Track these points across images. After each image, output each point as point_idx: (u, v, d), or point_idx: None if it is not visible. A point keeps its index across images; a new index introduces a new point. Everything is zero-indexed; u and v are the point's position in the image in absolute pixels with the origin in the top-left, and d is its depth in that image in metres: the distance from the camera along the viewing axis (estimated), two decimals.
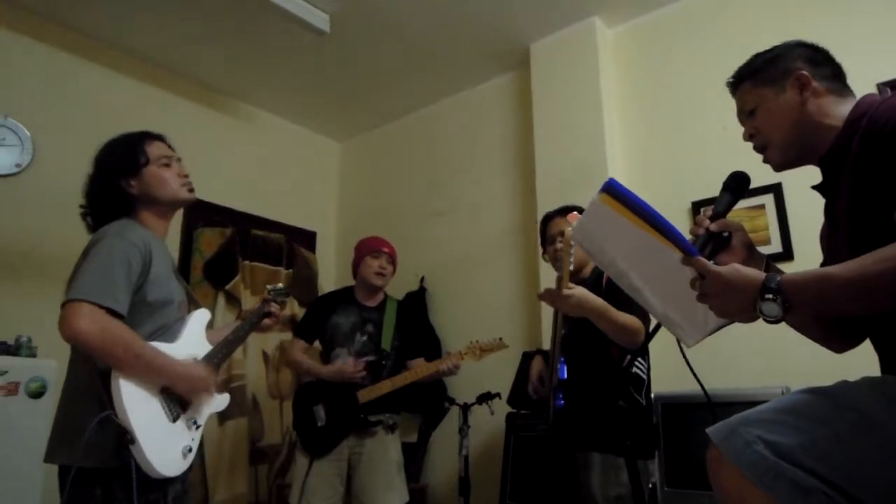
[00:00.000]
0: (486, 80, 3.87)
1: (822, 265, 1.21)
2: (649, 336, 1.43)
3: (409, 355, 2.75)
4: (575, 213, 1.86)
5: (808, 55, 1.21)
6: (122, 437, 1.44)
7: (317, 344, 2.85)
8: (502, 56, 3.60)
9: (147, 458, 1.46)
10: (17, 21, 3.08)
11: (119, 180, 1.67)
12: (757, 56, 1.26)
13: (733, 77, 1.29)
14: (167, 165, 1.72)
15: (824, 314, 1.14)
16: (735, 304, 1.02)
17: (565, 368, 1.96)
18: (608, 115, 3.16)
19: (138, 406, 1.49)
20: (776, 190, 2.62)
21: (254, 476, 3.49)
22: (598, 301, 1.79)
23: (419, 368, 2.57)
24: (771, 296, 0.96)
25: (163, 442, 1.53)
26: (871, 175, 1.02)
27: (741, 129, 1.29)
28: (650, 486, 1.91)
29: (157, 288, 1.61)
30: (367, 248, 2.81)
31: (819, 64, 1.20)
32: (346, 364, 2.57)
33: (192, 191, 1.76)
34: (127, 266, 1.53)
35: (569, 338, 1.99)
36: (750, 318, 1.02)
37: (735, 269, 1.03)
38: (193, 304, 1.84)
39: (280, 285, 2.08)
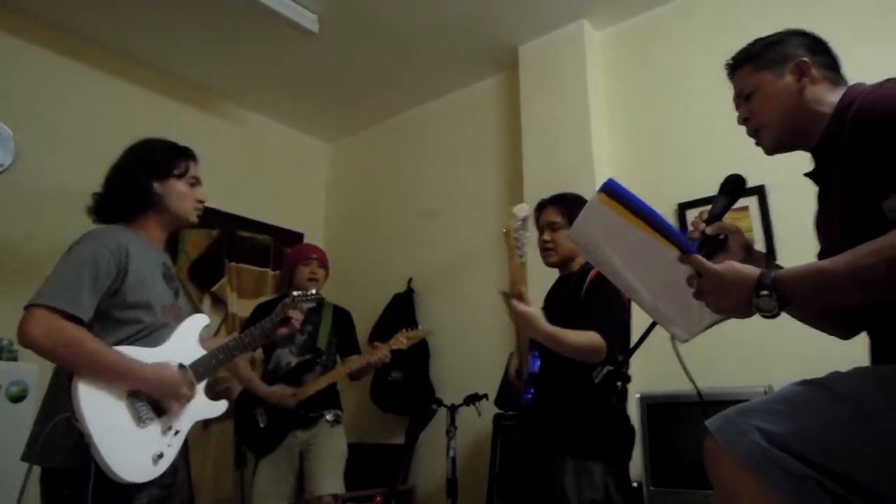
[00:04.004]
0: (474, 82, 3.87)
1: (820, 251, 1.23)
2: (637, 343, 1.42)
3: (349, 353, 2.89)
4: (523, 205, 1.85)
5: (808, 43, 1.24)
6: (83, 440, 1.44)
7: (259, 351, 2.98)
8: (491, 58, 3.61)
9: (106, 462, 1.45)
10: (1, 21, 3.04)
11: (146, 177, 1.72)
12: (758, 40, 1.28)
13: (732, 60, 1.30)
14: (193, 186, 1.80)
15: (821, 306, 1.16)
16: (731, 301, 1.04)
17: (538, 363, 1.94)
18: (595, 117, 3.18)
19: (98, 410, 1.49)
20: (760, 192, 2.65)
21: (239, 479, 3.45)
22: (546, 327, 1.72)
23: (350, 362, 2.73)
24: (766, 292, 0.98)
25: (127, 447, 1.51)
26: (860, 164, 1.04)
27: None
28: (620, 491, 1.83)
29: (136, 290, 1.60)
30: (298, 257, 2.98)
31: (818, 53, 1.23)
32: (282, 390, 2.72)
33: (199, 216, 1.83)
34: (94, 269, 1.53)
35: None
36: (746, 314, 1.04)
37: (731, 266, 1.05)
38: (191, 310, 1.85)
39: (313, 291, 2.03)
